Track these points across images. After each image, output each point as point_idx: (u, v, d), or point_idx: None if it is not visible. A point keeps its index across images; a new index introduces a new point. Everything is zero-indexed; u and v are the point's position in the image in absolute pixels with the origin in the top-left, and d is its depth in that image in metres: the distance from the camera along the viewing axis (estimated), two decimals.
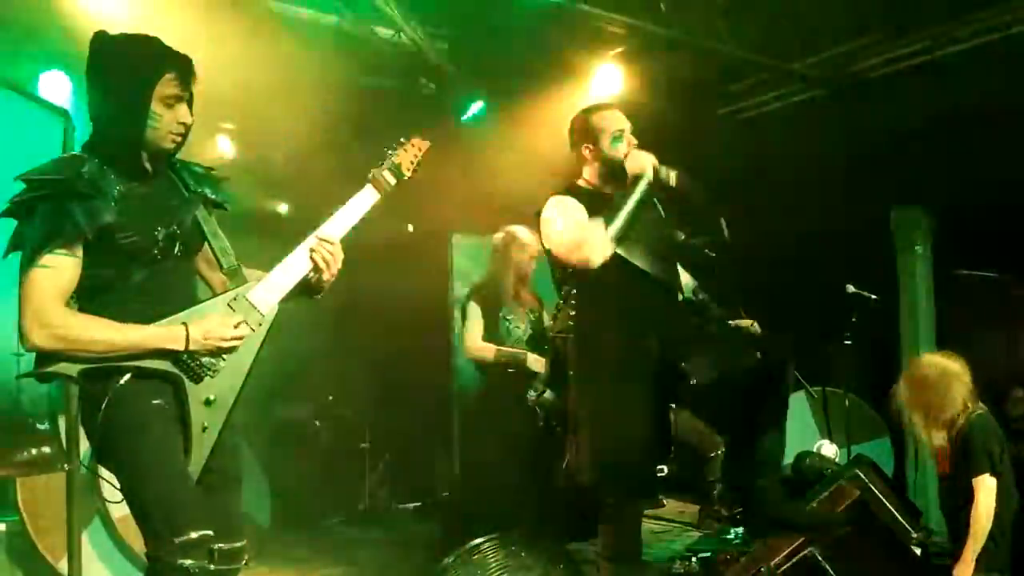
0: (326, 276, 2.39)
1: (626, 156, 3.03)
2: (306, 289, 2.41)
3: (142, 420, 2.15)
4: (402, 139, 2.61)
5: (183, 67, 2.22)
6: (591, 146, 3.10)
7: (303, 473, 5.83)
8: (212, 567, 2.11)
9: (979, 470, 3.52)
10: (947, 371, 3.63)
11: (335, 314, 5.61)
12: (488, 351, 4.60)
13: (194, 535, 2.08)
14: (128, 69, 2.20)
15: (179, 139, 2.26)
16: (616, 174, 3.05)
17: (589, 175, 3.16)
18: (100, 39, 2.23)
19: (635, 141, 3.09)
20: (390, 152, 2.57)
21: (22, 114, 3.76)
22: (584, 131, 3.12)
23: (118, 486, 2.19)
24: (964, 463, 3.59)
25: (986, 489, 3.50)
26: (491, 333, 4.63)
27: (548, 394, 3.18)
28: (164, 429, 2.17)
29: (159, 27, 2.36)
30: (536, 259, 4.70)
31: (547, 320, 4.86)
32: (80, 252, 2.13)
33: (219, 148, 5.81)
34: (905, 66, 4.93)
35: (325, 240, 2.37)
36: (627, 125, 3.10)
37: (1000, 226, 4.92)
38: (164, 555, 2.07)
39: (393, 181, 2.54)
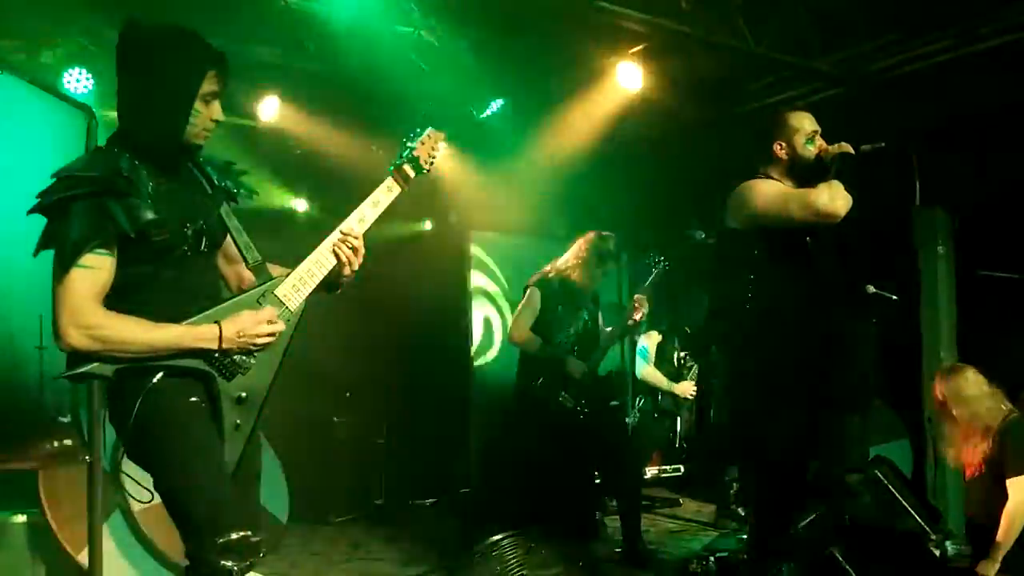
0: (348, 271, 2.40)
1: (817, 153, 3.18)
2: (326, 284, 2.41)
3: (179, 418, 2.14)
4: (418, 129, 2.57)
5: (223, 65, 2.23)
6: (784, 143, 3.22)
7: (321, 468, 5.85)
8: (250, 563, 2.12)
9: (1016, 471, 3.52)
10: (979, 382, 3.67)
11: (353, 310, 5.62)
12: (532, 343, 4.60)
13: (235, 536, 2.08)
14: (174, 65, 2.18)
15: (209, 135, 2.28)
16: (802, 172, 3.18)
17: (774, 170, 3.27)
18: (135, 30, 2.19)
19: (824, 144, 3.21)
20: (408, 144, 2.53)
21: (45, 110, 3.80)
22: (780, 128, 3.26)
23: (144, 483, 2.18)
24: (999, 465, 3.59)
25: (1022, 490, 3.50)
26: (541, 324, 4.62)
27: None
28: (201, 427, 2.16)
29: (176, 21, 2.35)
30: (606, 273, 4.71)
31: (600, 322, 4.86)
32: (115, 251, 2.12)
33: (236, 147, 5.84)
34: (927, 64, 4.89)
35: (348, 235, 2.37)
36: (819, 128, 3.24)
37: (1022, 226, 4.89)
38: (206, 555, 2.07)
39: (413, 175, 2.52)
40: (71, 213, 2.08)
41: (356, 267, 2.41)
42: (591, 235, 4.73)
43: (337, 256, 2.37)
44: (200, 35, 2.24)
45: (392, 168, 2.50)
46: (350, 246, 2.38)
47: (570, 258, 4.74)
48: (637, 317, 4.70)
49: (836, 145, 3.14)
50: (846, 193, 2.99)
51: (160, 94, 2.18)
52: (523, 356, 4.73)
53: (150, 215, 2.12)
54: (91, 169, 2.12)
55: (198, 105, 2.19)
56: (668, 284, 5.82)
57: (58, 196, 2.10)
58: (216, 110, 2.25)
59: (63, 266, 2.06)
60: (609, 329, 4.78)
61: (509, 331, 4.72)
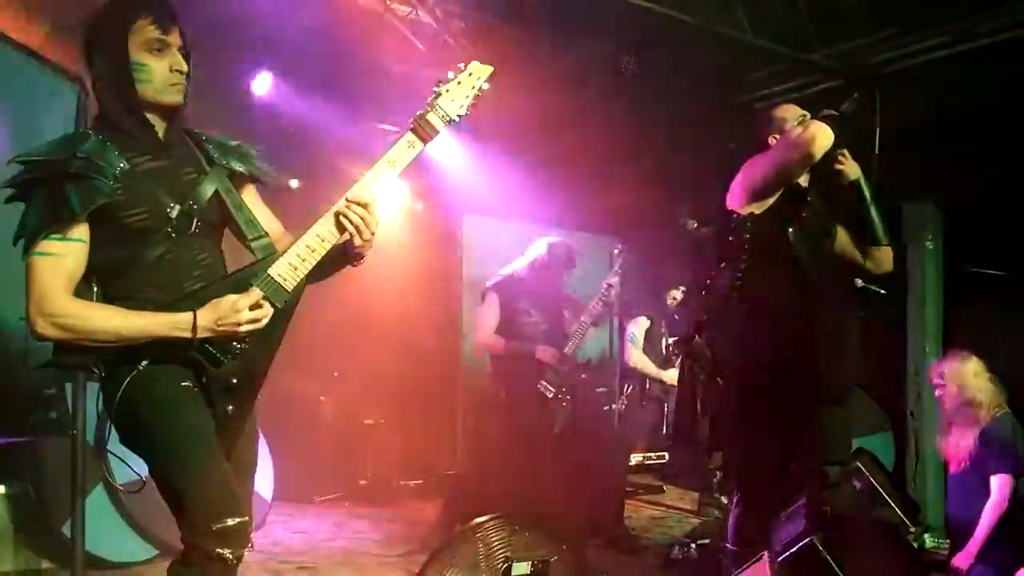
0: (358, 241, 2.19)
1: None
2: (342, 257, 2.25)
3: (169, 403, 2.07)
4: (460, 65, 2.24)
5: (158, 11, 2.12)
6: (776, 136, 3.28)
7: (306, 447, 5.86)
8: (244, 551, 2.06)
9: (1000, 468, 3.56)
10: (968, 372, 3.69)
11: (343, 290, 5.61)
12: (497, 344, 4.63)
13: (231, 522, 2.00)
14: (103, 28, 2.13)
15: (182, 89, 2.14)
16: None
17: None
18: (83, 20, 2.17)
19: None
20: (440, 90, 2.22)
21: (37, 80, 3.75)
22: (768, 124, 3.34)
23: (131, 467, 2.16)
24: (984, 460, 3.62)
25: (1005, 487, 3.54)
26: (507, 325, 4.65)
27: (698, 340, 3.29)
28: (192, 411, 2.08)
29: None
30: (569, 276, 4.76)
31: (567, 314, 4.87)
32: (82, 235, 2.04)
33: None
34: (924, 60, 4.89)
35: (354, 202, 2.16)
36: (806, 113, 3.28)
37: (1012, 224, 4.91)
38: (201, 542, 2.00)
39: (441, 126, 2.20)
40: (31, 199, 2.04)
41: (368, 235, 2.19)
42: (543, 246, 4.81)
43: (342, 226, 2.16)
44: None
45: (413, 120, 2.20)
46: (357, 214, 2.15)
47: (528, 264, 4.81)
48: (603, 303, 4.79)
49: (821, 114, 3.17)
50: (822, 124, 3.01)
51: (102, 61, 2.13)
52: (494, 360, 4.75)
53: (108, 197, 2.02)
54: (49, 153, 2.07)
55: (143, 58, 2.10)
56: (652, 269, 5.85)
57: (19, 181, 2.05)
58: (174, 60, 2.12)
59: (25, 254, 2.02)
60: (581, 318, 4.80)
61: (475, 337, 4.76)
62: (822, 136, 2.99)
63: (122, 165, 2.08)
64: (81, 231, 2.04)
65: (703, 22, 4.83)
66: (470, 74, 2.25)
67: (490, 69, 2.25)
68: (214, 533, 1.99)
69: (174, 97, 2.15)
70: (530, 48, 5.38)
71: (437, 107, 2.21)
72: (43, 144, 2.13)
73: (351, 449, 6.29)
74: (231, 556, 2.01)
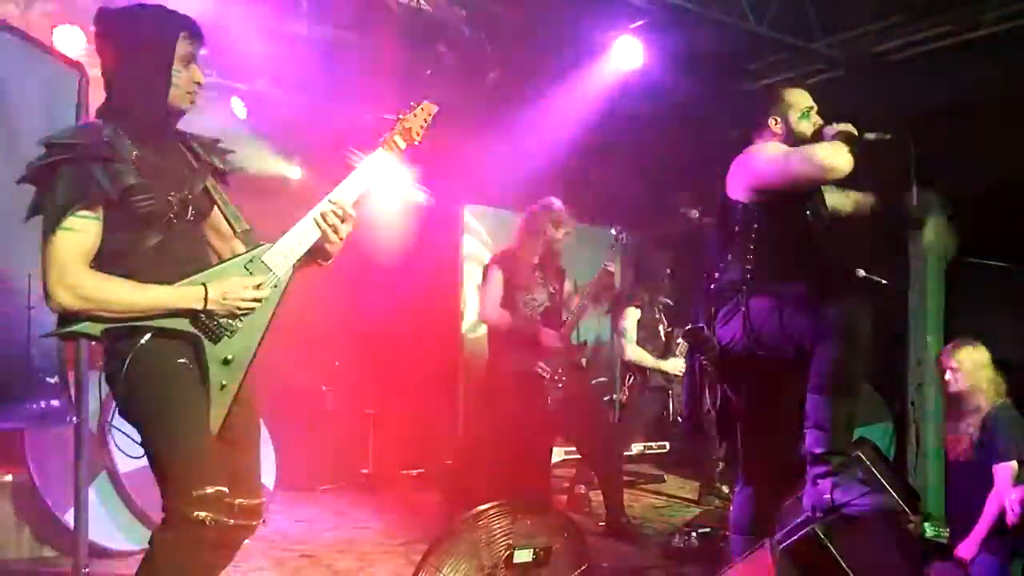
0: (334, 240, 2.42)
1: (813, 133, 3.16)
2: (314, 255, 2.44)
3: (165, 378, 2.22)
4: (412, 103, 2.64)
5: (194, 27, 2.33)
6: (779, 119, 3.22)
7: (308, 436, 5.87)
8: (232, 521, 2.21)
9: (1003, 457, 3.57)
10: (979, 360, 3.70)
11: (345, 280, 5.61)
12: (503, 319, 4.63)
13: (210, 490, 2.16)
14: (147, 33, 2.28)
15: (194, 98, 2.35)
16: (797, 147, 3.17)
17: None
18: (107, 16, 2.30)
19: (820, 121, 3.20)
20: (401, 116, 2.61)
21: (38, 67, 3.74)
22: (775, 104, 3.26)
23: (136, 440, 2.25)
24: (987, 450, 3.63)
25: (1007, 476, 3.55)
26: (509, 300, 4.65)
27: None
28: (187, 386, 2.24)
29: None
30: (569, 236, 4.74)
31: (566, 290, 4.88)
32: (100, 215, 2.18)
33: (232, 111, 5.78)
34: (927, 49, 4.88)
35: (336, 204, 2.40)
36: (815, 105, 3.23)
37: (1016, 214, 4.90)
38: (180, 506, 2.15)
39: (404, 145, 2.58)
40: (56, 179, 2.16)
41: (343, 236, 2.43)
42: (531, 208, 4.78)
43: (321, 225, 2.39)
44: (166, 5, 2.35)
45: (383, 138, 2.56)
46: (337, 216, 2.40)
47: (516, 235, 4.78)
48: (601, 285, 4.76)
49: (840, 124, 3.11)
50: (847, 152, 2.97)
51: (138, 64, 2.27)
52: (494, 335, 4.75)
53: (133, 180, 2.18)
54: (75, 137, 2.21)
55: (177, 66, 2.28)
56: (643, 257, 5.82)
57: (44, 163, 2.17)
58: (196, 73, 2.33)
59: (49, 229, 2.14)
60: (581, 300, 4.80)
61: (479, 312, 4.76)
62: (841, 166, 2.96)
63: (136, 153, 2.23)
64: (100, 211, 2.19)
65: (706, 10, 4.82)
66: (423, 109, 2.64)
67: (436, 108, 2.66)
68: (193, 499, 2.14)
69: (188, 105, 2.36)
70: (531, 35, 5.37)
71: (402, 129, 2.59)
72: (64, 129, 2.29)
73: (353, 438, 6.30)
74: (208, 518, 2.14)
